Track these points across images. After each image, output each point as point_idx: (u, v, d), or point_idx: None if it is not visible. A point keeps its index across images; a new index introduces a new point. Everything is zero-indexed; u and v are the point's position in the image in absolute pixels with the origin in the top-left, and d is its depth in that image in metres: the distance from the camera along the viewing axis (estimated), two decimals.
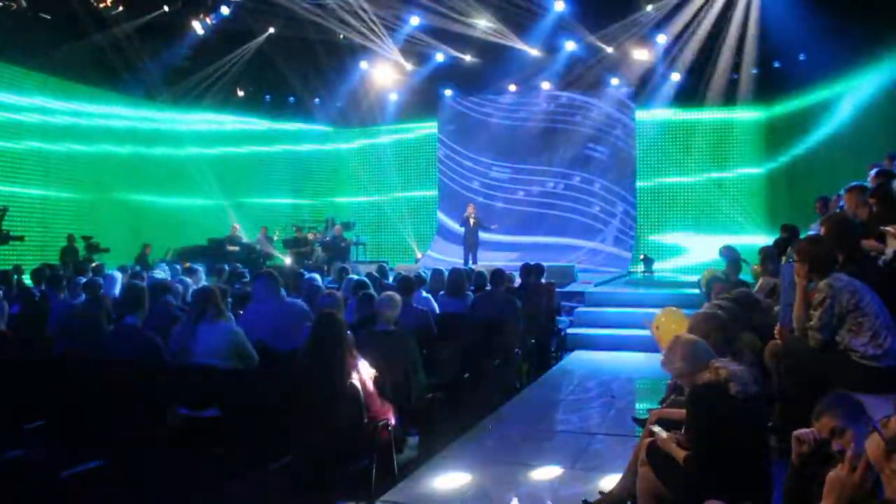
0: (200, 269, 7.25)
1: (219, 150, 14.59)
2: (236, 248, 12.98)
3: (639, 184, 14.03)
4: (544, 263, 7.71)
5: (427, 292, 6.18)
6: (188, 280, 6.40)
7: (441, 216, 15.64)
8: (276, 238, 14.29)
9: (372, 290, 5.15)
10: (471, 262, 12.01)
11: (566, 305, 9.09)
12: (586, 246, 13.68)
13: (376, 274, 7.09)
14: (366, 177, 16.59)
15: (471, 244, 12.37)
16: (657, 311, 4.26)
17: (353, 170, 16.79)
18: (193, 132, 14.11)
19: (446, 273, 6.57)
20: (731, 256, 7.62)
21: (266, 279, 4.54)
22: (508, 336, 5.71)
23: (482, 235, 12.60)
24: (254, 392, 3.40)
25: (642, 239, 14.13)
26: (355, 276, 6.42)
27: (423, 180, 16.09)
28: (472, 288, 6.69)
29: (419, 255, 14.94)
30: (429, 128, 15.95)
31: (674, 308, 4.31)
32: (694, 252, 13.64)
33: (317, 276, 6.29)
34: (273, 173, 15.61)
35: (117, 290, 5.97)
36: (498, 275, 6.31)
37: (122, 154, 12.94)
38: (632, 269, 13.48)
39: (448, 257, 14.15)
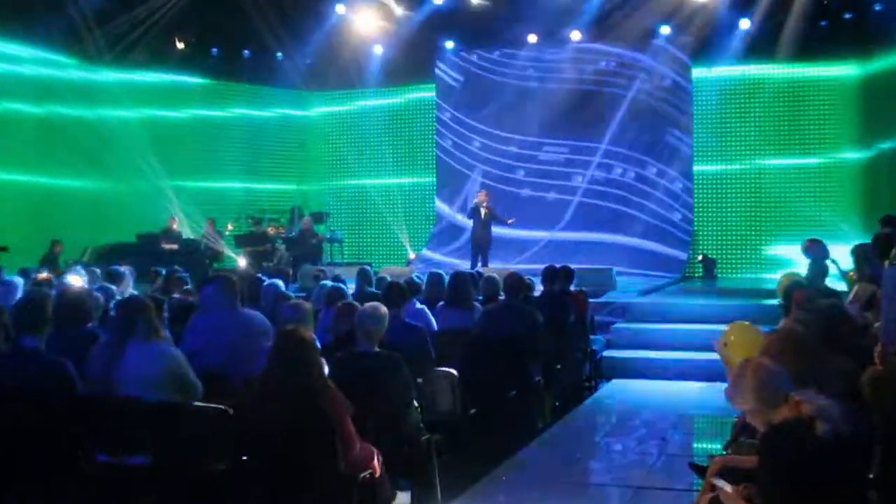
0: (128, 272, 7.24)
1: (153, 119, 14.60)
2: (174, 247, 13.05)
3: (698, 167, 14.09)
4: (573, 266, 7.78)
5: (422, 303, 6.24)
6: (112, 287, 6.42)
7: (440, 205, 15.77)
8: (227, 232, 14.38)
9: (351, 300, 5.18)
10: (479, 264, 12.11)
11: (602, 321, 9.13)
12: (628, 244, 13.75)
13: (357, 279, 7.15)
14: (343, 154, 16.67)
15: (481, 242, 12.46)
16: (724, 327, 4.22)
17: (327, 145, 16.86)
18: (120, 93, 14.09)
19: (447, 278, 6.65)
20: (818, 254, 7.57)
21: (218, 285, 4.59)
22: (527, 360, 5.73)
23: (496, 231, 12.66)
24: (195, 433, 3.39)
25: (700, 235, 14.22)
26: (329, 283, 6.48)
27: (417, 160, 16.17)
28: (480, 298, 6.73)
29: (412, 256, 15.05)
30: (425, 91, 16.01)
31: (746, 323, 4.27)
32: (769, 252, 13.76)
33: (279, 282, 6.36)
34: (223, 149, 15.64)
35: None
36: (514, 281, 6.32)
37: (25, 120, 12.89)
38: (688, 274, 13.61)
39: (449, 258, 14.20)
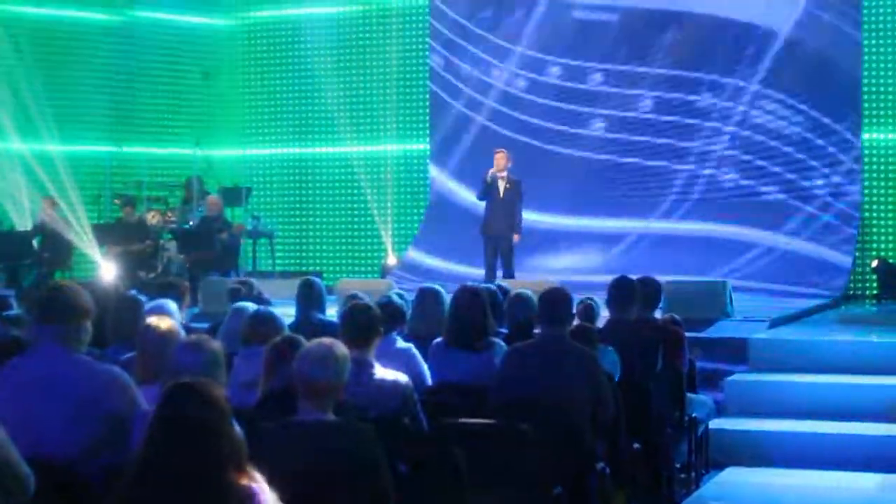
0: None
1: None
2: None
3: (869, 135, 14.45)
4: (661, 279, 7.84)
5: (407, 339, 6.34)
6: None
7: (437, 177, 15.73)
8: (71, 221, 14.28)
9: (289, 335, 5.27)
10: (500, 273, 12.09)
11: (710, 369, 9.17)
12: (757, 243, 13.96)
13: (299, 300, 7.34)
14: (276, 94, 16.60)
15: (499, 236, 12.50)
16: None
17: (249, 78, 16.80)
18: None
19: (446, 298, 6.72)
20: None
21: (49, 308, 4.62)
22: (583, 438, 5.70)
23: (527, 217, 12.76)
24: None
25: (875, 230, 14.42)
26: (250, 306, 6.48)
27: (401, 105, 16.33)
28: (502, 331, 6.76)
29: (391, 261, 15.01)
30: None
31: None
32: None
33: (169, 304, 6.50)
34: (71, 84, 15.63)
35: None
36: (557, 302, 6.20)
37: None
38: (854, 291, 13.69)
39: (450, 264, 14.15)
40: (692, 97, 14.88)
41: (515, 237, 12.61)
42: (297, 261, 16.24)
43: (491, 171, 12.65)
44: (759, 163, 14.58)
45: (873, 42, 14.56)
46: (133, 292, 7.67)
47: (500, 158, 12.69)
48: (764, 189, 14.55)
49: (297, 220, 16.62)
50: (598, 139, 15.20)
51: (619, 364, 6.53)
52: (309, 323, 6.91)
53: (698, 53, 14.94)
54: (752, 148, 14.69)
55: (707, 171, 14.83)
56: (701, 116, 14.95)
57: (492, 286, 8.25)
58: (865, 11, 14.50)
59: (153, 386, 4.48)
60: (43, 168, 14.94)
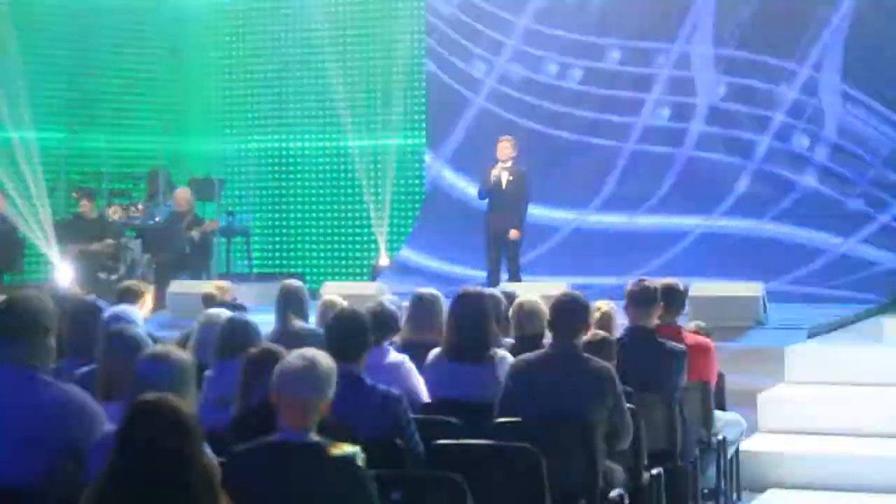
0: None
1: None
2: None
3: None
4: (686, 283, 7.88)
5: (401, 350, 6.33)
6: None
7: (432, 164, 15.92)
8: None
9: (268, 346, 5.27)
10: (504, 275, 12.19)
11: (741, 385, 9.06)
12: (802, 242, 14.14)
13: (279, 307, 7.33)
14: (253, 74, 16.63)
15: (503, 234, 12.59)
16: None
17: (223, 57, 16.80)
18: None
19: (445, 303, 6.71)
20: None
21: (1, 322, 4.61)
22: (596, 459, 5.69)
23: (533, 213, 12.83)
24: None
25: None
26: (224, 313, 6.49)
27: (395, 91, 16.16)
28: (507, 340, 6.79)
29: (383, 262, 15.07)
30: None
31: None
32: None
33: (132, 311, 6.55)
34: (24, 63, 15.64)
35: None
36: (570, 310, 6.24)
37: None
38: None
39: (450, 265, 14.18)
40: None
41: (514, 233, 12.58)
42: (277, 262, 16.21)
43: (494, 172, 12.65)
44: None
45: None
46: (91, 297, 7.60)
47: (506, 147, 12.65)
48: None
49: (277, 216, 16.45)
50: (612, 126, 15.20)
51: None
52: (289, 332, 6.88)
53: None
54: (807, 129, 14.78)
55: (729, 159, 14.95)
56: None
57: (496, 290, 8.25)
58: None
59: (117, 403, 4.48)
60: None
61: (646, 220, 14.89)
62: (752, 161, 15.00)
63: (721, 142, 15.15)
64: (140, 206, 15.10)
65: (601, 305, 7.46)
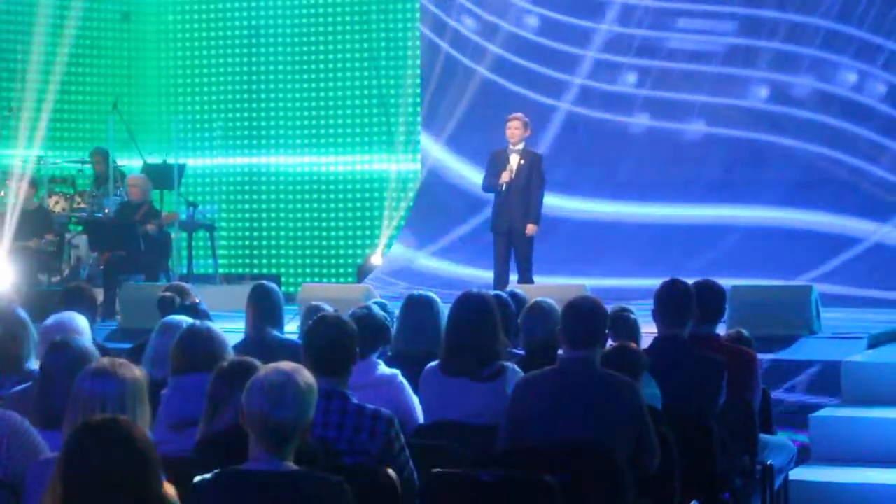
0: None
1: None
2: None
3: None
4: (724, 283, 7.90)
5: (392, 363, 6.52)
6: None
7: (429, 145, 15.73)
8: None
9: (238, 359, 5.36)
10: (514, 276, 12.26)
11: (790, 403, 9.30)
12: (861, 237, 14.46)
13: (250, 312, 7.43)
14: (216, 45, 16.63)
15: (513, 224, 12.79)
16: None
17: (183, 20, 16.86)
18: None
19: (443, 309, 6.78)
20: None
21: None
22: (618, 490, 5.71)
23: (549, 203, 13.11)
24: None
25: None
26: (184, 320, 6.60)
27: (388, 54, 16.58)
28: (516, 351, 6.94)
29: (375, 260, 15.02)
30: None
31: None
32: None
33: (77, 318, 6.74)
34: None
35: None
36: (586, 316, 6.26)
37: None
38: None
39: (451, 263, 14.17)
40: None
41: (531, 228, 12.57)
42: (247, 261, 16.31)
43: (504, 177, 12.66)
44: (839, 123, 15.07)
45: None
46: (19, 311, 7.51)
47: (516, 126, 12.70)
48: (860, 165, 15.00)
49: (247, 208, 16.65)
50: (631, 101, 15.58)
51: (659, 397, 6.48)
52: (262, 342, 6.98)
53: None
54: (847, 104, 15.18)
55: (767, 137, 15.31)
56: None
57: (503, 293, 8.33)
58: None
59: (58, 429, 4.46)
60: None
61: (676, 212, 14.89)
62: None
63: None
64: (86, 196, 15.07)
65: (621, 311, 7.46)
